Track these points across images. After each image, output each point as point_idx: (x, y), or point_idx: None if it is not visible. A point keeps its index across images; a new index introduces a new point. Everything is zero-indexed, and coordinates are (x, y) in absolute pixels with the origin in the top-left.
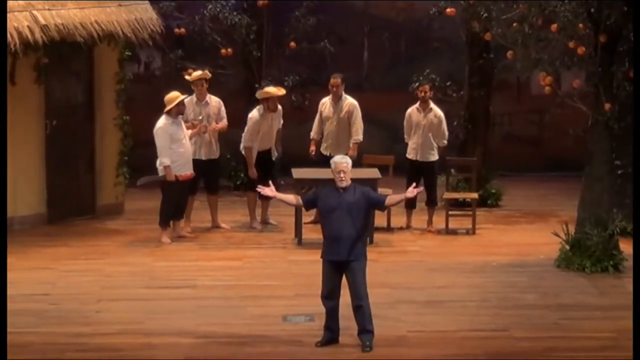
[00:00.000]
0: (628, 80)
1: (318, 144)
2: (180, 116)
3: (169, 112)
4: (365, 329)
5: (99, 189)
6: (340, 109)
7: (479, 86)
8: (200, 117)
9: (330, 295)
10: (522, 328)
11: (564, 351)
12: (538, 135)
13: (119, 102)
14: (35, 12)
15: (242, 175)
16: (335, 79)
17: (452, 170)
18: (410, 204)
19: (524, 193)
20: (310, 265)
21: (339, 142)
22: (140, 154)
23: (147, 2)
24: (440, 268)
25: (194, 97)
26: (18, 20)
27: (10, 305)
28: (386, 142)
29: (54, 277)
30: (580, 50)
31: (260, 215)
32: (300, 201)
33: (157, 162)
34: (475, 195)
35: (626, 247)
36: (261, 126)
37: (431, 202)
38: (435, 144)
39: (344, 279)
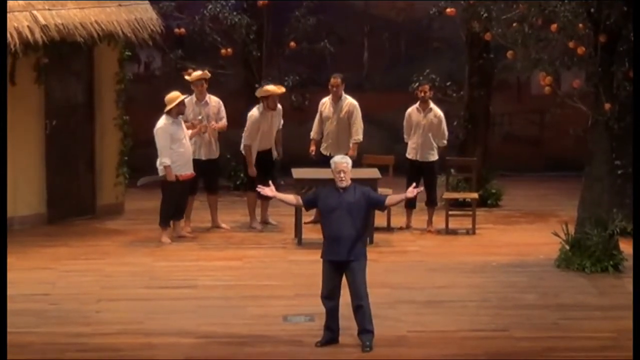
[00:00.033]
0: (628, 80)
1: (318, 144)
2: (181, 116)
3: (169, 112)
4: (365, 329)
5: (99, 189)
6: (340, 109)
7: (479, 86)
8: (200, 117)
9: (330, 295)
10: (522, 328)
11: (564, 351)
12: (538, 135)
13: (119, 102)
14: (35, 12)
15: (242, 175)
16: (335, 79)
17: (452, 170)
18: (410, 204)
19: (524, 193)
20: (310, 265)
21: (339, 142)
22: (140, 154)
23: (147, 2)
24: (440, 268)
25: (193, 97)
26: (18, 20)
27: (10, 305)
28: (386, 142)
29: (54, 277)
30: (580, 50)
31: (260, 215)
32: (300, 201)
33: (158, 162)
34: (475, 195)
35: (626, 247)
36: (261, 124)
37: (431, 202)
38: (435, 144)
39: (344, 279)
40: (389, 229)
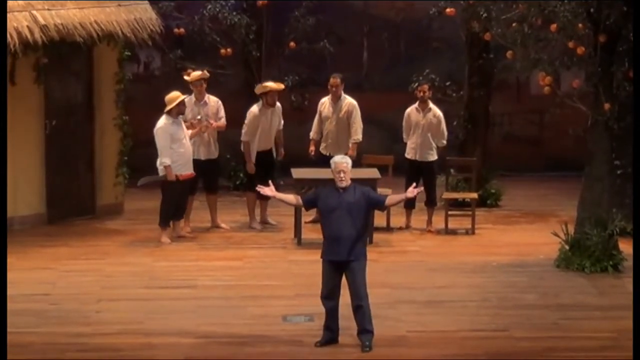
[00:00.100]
0: (628, 80)
1: (317, 144)
2: (181, 116)
3: (169, 112)
4: (365, 329)
5: (98, 189)
6: (339, 108)
7: (479, 86)
8: (199, 117)
9: (330, 295)
10: (522, 328)
11: (564, 351)
12: (538, 135)
13: (119, 102)
14: (34, 12)
15: (241, 175)
16: (335, 79)
17: (452, 170)
18: (409, 204)
19: (523, 193)
20: (310, 265)
21: (339, 142)
22: (139, 154)
23: (146, 2)
24: (440, 268)
25: (192, 97)
26: (18, 21)
27: (10, 305)
28: (386, 142)
29: (54, 277)
30: (580, 50)
31: (259, 215)
32: (300, 201)
33: (158, 162)
34: (474, 195)
35: (626, 247)
36: (260, 121)
37: (430, 202)
38: (434, 144)
39: (344, 279)
40: (388, 229)
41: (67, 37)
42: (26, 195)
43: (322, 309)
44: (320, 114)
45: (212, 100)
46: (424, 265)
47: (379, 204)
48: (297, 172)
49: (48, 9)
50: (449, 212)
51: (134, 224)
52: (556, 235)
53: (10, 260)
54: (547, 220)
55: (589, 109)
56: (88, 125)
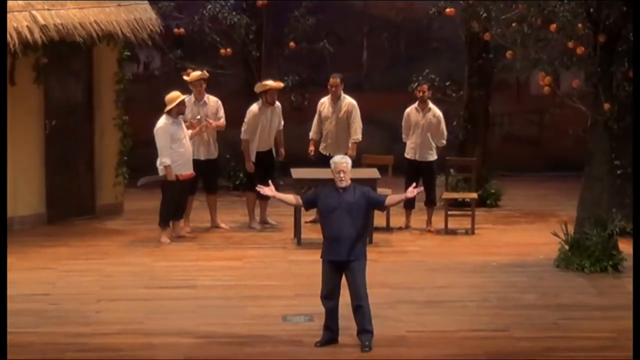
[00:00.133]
0: (627, 80)
1: (317, 144)
2: (181, 116)
3: (169, 112)
4: (364, 329)
5: (98, 189)
6: (339, 108)
7: (479, 86)
8: (199, 117)
9: (329, 295)
10: (521, 328)
11: (564, 351)
12: (538, 135)
13: (118, 102)
14: (34, 12)
15: (241, 175)
16: (335, 79)
17: (452, 170)
18: (409, 204)
19: (523, 193)
20: (310, 265)
21: (338, 141)
22: (139, 154)
23: (146, 2)
24: (440, 268)
25: (192, 97)
26: (17, 20)
27: (10, 305)
28: (386, 142)
29: (54, 277)
30: (580, 50)
31: (259, 215)
32: (300, 201)
33: (158, 162)
34: (474, 195)
35: (625, 247)
36: (260, 120)
37: (430, 202)
38: (433, 144)
39: (343, 279)
40: (388, 229)
41: (66, 37)
42: (26, 195)
43: (322, 309)
44: (319, 114)
45: (212, 100)
46: (424, 265)
47: (379, 204)
48: (297, 172)
49: (48, 9)
50: (449, 212)
51: (134, 224)
52: (556, 235)
53: (10, 260)
54: (546, 220)
55: (589, 109)
56: (88, 125)
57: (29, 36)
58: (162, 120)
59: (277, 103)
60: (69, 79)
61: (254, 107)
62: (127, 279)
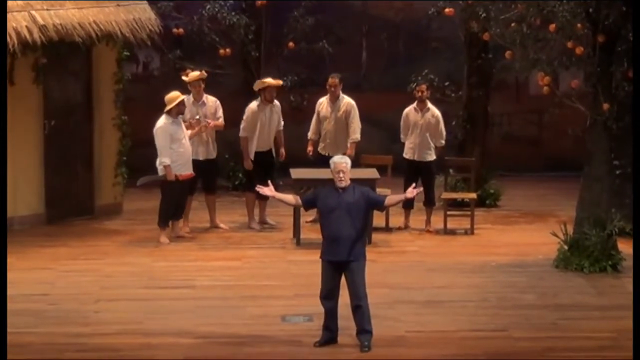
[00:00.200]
0: (627, 80)
1: (315, 144)
2: (180, 116)
3: (169, 112)
4: (363, 329)
5: (97, 189)
6: (337, 108)
7: (478, 86)
8: (198, 117)
9: (329, 296)
10: (521, 328)
11: (563, 351)
12: (537, 135)
13: (118, 102)
14: (33, 12)
15: (240, 175)
16: (333, 79)
17: (451, 170)
18: (408, 204)
19: (522, 193)
20: (309, 265)
21: (337, 141)
22: (139, 154)
23: (145, 2)
24: (439, 268)
25: (190, 97)
26: (16, 21)
27: (9, 305)
28: (385, 142)
29: (53, 277)
30: (579, 50)
31: (258, 215)
32: (300, 201)
33: (157, 162)
34: (473, 195)
35: (625, 247)
36: (259, 117)
37: (429, 202)
38: (432, 144)
39: (343, 279)
40: (387, 229)
41: (66, 37)
42: (25, 195)
43: (321, 309)
44: (318, 114)
45: (210, 100)
46: (423, 266)
47: (379, 204)
48: (296, 173)
49: (47, 9)
50: (448, 212)
51: (133, 224)
52: (555, 235)
53: (10, 260)
54: (546, 220)
55: (588, 109)
56: (87, 126)
57: (28, 36)
58: (162, 120)
59: (276, 102)
60: (68, 79)
61: (253, 105)
62: (127, 279)
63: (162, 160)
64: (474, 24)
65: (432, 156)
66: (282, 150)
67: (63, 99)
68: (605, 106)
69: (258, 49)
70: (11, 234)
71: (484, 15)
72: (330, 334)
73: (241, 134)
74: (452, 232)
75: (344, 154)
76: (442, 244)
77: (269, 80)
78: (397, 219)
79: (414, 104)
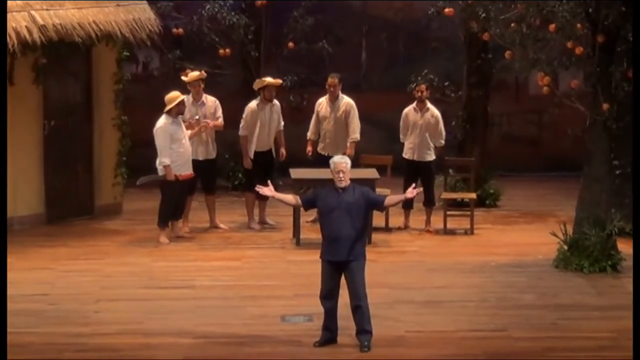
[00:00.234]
0: (626, 80)
1: (315, 144)
2: (180, 116)
3: (169, 112)
4: (363, 329)
5: (97, 189)
6: (337, 108)
7: (477, 86)
8: (197, 117)
9: (328, 296)
10: (520, 328)
11: (562, 351)
12: (537, 135)
13: (117, 102)
14: (33, 12)
15: (240, 175)
16: (333, 79)
17: (451, 171)
18: (407, 204)
19: (522, 193)
20: (309, 265)
21: (336, 141)
22: (138, 154)
23: (145, 2)
24: (439, 268)
25: (190, 97)
26: (16, 21)
27: (9, 305)
28: (384, 143)
29: (53, 277)
30: (578, 50)
31: (257, 215)
32: (299, 201)
33: (157, 162)
34: (473, 195)
35: (624, 247)
36: (258, 116)
37: (429, 202)
38: (432, 144)
39: (342, 279)
40: (387, 229)
41: (65, 37)
42: (25, 195)
43: (321, 309)
44: (317, 114)
45: (210, 100)
46: (423, 266)
47: (378, 204)
48: (296, 173)
49: (46, 9)
50: (448, 212)
51: (133, 224)
52: (555, 235)
53: (10, 260)
54: (545, 220)
55: (588, 109)
56: (87, 126)
57: (27, 36)
58: (162, 120)
59: (276, 102)
60: (67, 79)
61: (252, 104)
62: (126, 279)
63: (162, 160)
64: (474, 24)
65: (431, 156)
66: (283, 150)
67: (63, 99)
68: (605, 106)
69: (258, 49)
70: (11, 234)
71: (483, 15)
72: (330, 334)
73: (240, 132)
74: (452, 232)
75: (344, 153)
76: (441, 244)
77: (269, 79)
78: (397, 219)
79: (414, 104)
